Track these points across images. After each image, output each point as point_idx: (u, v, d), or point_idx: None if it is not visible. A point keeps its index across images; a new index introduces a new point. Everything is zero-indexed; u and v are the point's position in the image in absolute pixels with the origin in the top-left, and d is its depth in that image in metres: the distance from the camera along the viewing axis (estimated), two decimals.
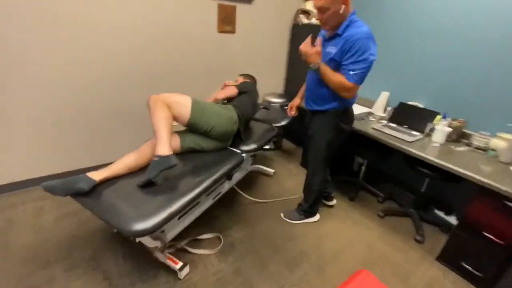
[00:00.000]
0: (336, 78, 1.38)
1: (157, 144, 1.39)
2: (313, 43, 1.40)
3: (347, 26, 1.34)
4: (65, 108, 1.97)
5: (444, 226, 1.95)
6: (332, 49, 1.39)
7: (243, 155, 1.83)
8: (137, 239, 1.20)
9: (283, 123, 2.33)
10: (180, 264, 1.45)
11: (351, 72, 1.33)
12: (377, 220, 2.02)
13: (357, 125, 1.98)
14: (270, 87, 3.07)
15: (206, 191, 1.46)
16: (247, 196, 2.03)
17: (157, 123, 1.44)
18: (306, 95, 1.64)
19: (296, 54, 2.83)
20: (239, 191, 1.97)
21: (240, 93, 1.98)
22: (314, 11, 2.59)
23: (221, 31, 2.40)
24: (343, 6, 1.31)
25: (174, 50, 2.27)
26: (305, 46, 1.38)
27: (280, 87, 3.20)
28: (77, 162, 2.16)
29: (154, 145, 1.47)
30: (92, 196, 1.28)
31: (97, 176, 1.32)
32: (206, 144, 1.73)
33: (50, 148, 2.02)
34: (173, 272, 1.45)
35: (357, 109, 2.41)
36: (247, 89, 2.00)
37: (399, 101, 2.14)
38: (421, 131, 1.90)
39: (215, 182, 1.52)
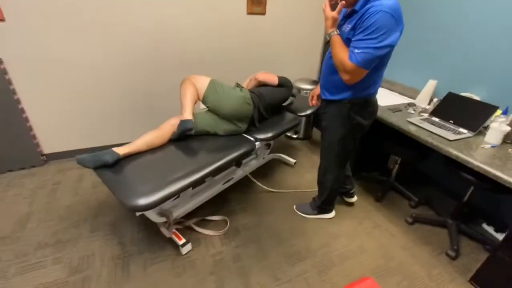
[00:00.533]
0: (340, 54, 1.18)
1: (181, 112, 1.66)
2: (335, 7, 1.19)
3: (367, 1, 1.11)
4: (109, 87, 2.19)
5: (490, 244, 1.61)
6: (347, 27, 1.20)
7: (257, 143, 1.79)
8: (137, 213, 1.28)
9: (308, 112, 2.18)
10: (183, 240, 1.52)
11: (356, 50, 1.11)
12: (404, 227, 1.78)
13: (390, 117, 1.74)
14: (304, 72, 2.90)
15: (208, 176, 1.47)
16: (259, 184, 2.00)
17: (181, 95, 1.70)
18: (321, 82, 1.48)
19: None
20: (252, 178, 1.94)
21: (279, 85, 2.02)
22: None
23: (250, 12, 2.32)
24: None
25: (200, 34, 2.29)
26: (326, 6, 1.20)
27: (314, 73, 2.99)
28: (119, 137, 2.41)
29: (174, 123, 1.63)
30: (111, 169, 1.41)
31: (121, 151, 1.46)
32: (220, 127, 1.76)
33: (99, 123, 2.30)
34: (178, 247, 1.53)
35: (397, 99, 2.12)
36: (286, 85, 2.05)
37: (449, 91, 1.79)
38: (472, 129, 1.57)
39: (220, 168, 1.53)
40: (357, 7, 1.15)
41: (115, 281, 1.37)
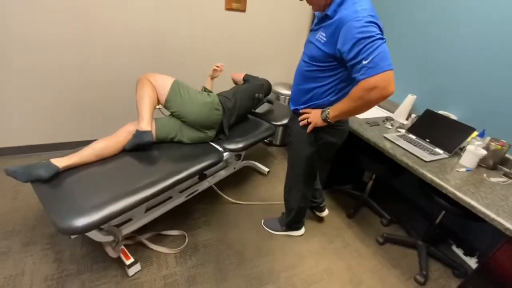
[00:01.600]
0: (353, 95, 0.98)
1: (138, 120, 1.44)
2: None
3: (340, 4, 0.98)
4: (61, 76, 1.94)
5: (459, 270, 1.57)
6: (322, 37, 1.04)
7: (225, 153, 1.64)
8: (72, 236, 1.08)
9: (285, 121, 2.05)
10: (131, 260, 1.34)
11: (364, 62, 0.89)
12: (374, 247, 1.70)
13: (366, 131, 1.65)
14: (284, 77, 2.77)
15: (164, 191, 1.30)
16: (226, 197, 1.85)
17: (138, 100, 1.46)
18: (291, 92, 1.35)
19: None
20: (217, 190, 1.79)
21: (245, 80, 1.94)
22: None
23: (228, 8, 2.15)
24: None
25: (174, 29, 2.09)
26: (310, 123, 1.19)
27: None
28: (77, 134, 2.16)
29: (131, 131, 1.43)
30: (48, 183, 1.20)
31: (61, 163, 1.24)
32: (185, 134, 1.60)
33: (53, 116, 2.04)
34: (124, 267, 1.34)
35: (376, 112, 2.04)
36: (252, 80, 1.95)
37: (427, 108, 1.73)
38: (448, 150, 1.51)
39: (179, 182, 1.36)
40: (329, 11, 1.01)
41: None
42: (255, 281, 1.39)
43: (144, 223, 1.49)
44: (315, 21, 1.13)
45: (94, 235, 1.24)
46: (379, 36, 0.90)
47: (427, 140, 1.61)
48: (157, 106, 1.58)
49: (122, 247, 1.38)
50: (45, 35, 1.78)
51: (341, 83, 1.11)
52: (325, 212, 1.82)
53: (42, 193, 1.17)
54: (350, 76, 1.01)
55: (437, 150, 1.53)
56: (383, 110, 2.11)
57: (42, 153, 2.12)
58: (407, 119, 1.90)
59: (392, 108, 2.04)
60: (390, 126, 1.80)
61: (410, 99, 1.85)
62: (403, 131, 1.74)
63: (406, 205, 2.09)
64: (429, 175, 1.29)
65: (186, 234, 1.58)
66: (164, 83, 1.53)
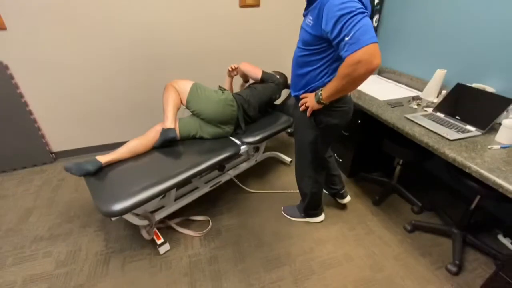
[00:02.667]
0: (340, 73, 0.98)
1: (163, 120, 1.66)
2: None
3: None
4: (110, 87, 2.27)
5: (501, 259, 1.39)
6: (309, 20, 1.05)
7: (242, 146, 1.74)
8: (112, 219, 1.30)
9: None
10: (162, 240, 1.53)
11: (346, 38, 0.89)
12: (402, 235, 1.61)
13: (386, 113, 1.57)
14: None
15: (185, 182, 1.47)
16: (244, 187, 1.96)
17: (164, 103, 1.68)
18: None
19: None
20: (237, 181, 1.90)
21: (262, 80, 1.96)
22: None
23: (243, 5, 2.23)
24: None
25: (192, 30, 2.25)
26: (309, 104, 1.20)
27: None
28: (122, 135, 2.51)
29: (159, 130, 1.65)
30: (95, 176, 1.47)
31: (103, 159, 1.51)
32: (205, 131, 1.76)
33: (103, 122, 2.41)
34: (157, 247, 1.54)
35: (403, 92, 1.91)
36: (270, 80, 1.98)
37: (458, 81, 1.56)
38: (481, 126, 1.35)
39: (199, 173, 1.52)
40: None
41: (94, 277, 1.42)
42: (271, 263, 1.46)
43: (174, 209, 1.68)
44: (305, 6, 1.14)
45: (132, 219, 1.45)
46: (360, 10, 0.88)
47: (457, 117, 1.46)
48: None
49: (155, 229, 1.58)
50: (96, 49, 2.11)
51: (333, 64, 1.11)
52: (347, 199, 1.78)
53: (90, 184, 1.43)
54: (339, 56, 1.01)
55: (468, 127, 1.38)
56: (412, 89, 1.95)
57: (91, 154, 2.50)
58: (437, 96, 1.73)
59: (422, 86, 1.88)
60: (415, 106, 1.67)
61: (439, 74, 1.68)
62: (430, 110, 1.60)
63: (441, 191, 1.91)
64: (451, 154, 1.18)
65: (210, 220, 1.72)
66: (185, 87, 1.73)
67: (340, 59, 1.06)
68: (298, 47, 1.19)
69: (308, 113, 1.21)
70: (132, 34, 2.14)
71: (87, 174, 1.46)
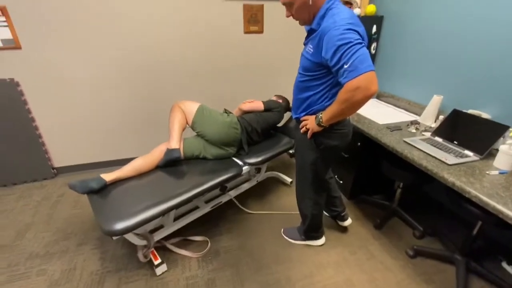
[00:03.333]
0: (339, 98, 1.02)
1: (169, 140, 1.70)
2: None
3: (322, 17, 1.06)
4: (115, 105, 2.33)
5: None
6: (310, 48, 1.13)
7: (245, 167, 1.76)
8: (113, 238, 1.30)
9: None
10: (159, 260, 1.50)
11: (346, 66, 0.94)
12: (404, 260, 1.58)
13: (385, 136, 1.60)
14: None
15: (186, 202, 1.48)
16: (243, 209, 1.96)
17: (170, 123, 1.73)
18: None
19: None
20: (237, 203, 1.90)
21: (266, 110, 2.02)
22: (358, 0, 2.25)
23: (247, 31, 2.35)
24: None
25: (199, 54, 2.35)
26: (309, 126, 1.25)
27: None
28: (125, 152, 2.53)
29: (163, 149, 1.69)
30: (99, 194, 1.48)
31: (108, 177, 1.53)
32: (209, 151, 1.79)
33: (106, 139, 2.44)
34: (154, 267, 1.51)
35: (401, 116, 1.95)
36: (273, 108, 2.04)
37: (455, 108, 1.60)
38: (479, 152, 1.37)
39: (201, 193, 1.53)
40: (314, 25, 1.10)
41: None
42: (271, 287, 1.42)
43: (174, 230, 1.66)
44: (306, 36, 1.22)
45: (132, 238, 1.44)
46: (358, 41, 0.95)
47: (455, 142, 1.49)
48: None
49: (152, 249, 1.55)
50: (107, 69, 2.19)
51: (333, 89, 1.16)
52: (348, 221, 1.76)
53: (93, 202, 1.43)
54: (338, 82, 1.06)
55: (467, 152, 1.40)
56: (410, 113, 2.00)
57: (92, 170, 2.51)
58: (435, 121, 1.77)
59: (420, 111, 1.93)
60: (414, 130, 1.71)
61: (436, 100, 1.74)
62: (428, 134, 1.63)
63: (442, 215, 1.89)
64: (450, 178, 1.20)
65: (208, 240, 1.70)
66: (191, 108, 1.79)
67: (339, 85, 1.11)
68: (299, 73, 1.25)
69: (309, 135, 1.25)
70: (140, 55, 2.23)
71: (91, 192, 1.47)
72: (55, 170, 2.41)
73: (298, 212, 1.63)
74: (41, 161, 2.31)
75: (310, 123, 1.22)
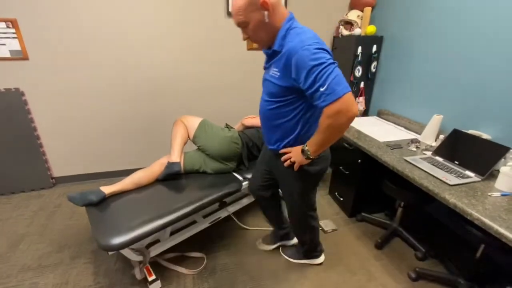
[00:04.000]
0: (322, 125, 0.98)
1: (170, 153, 1.71)
2: None
3: (284, 37, 1.00)
4: (115, 117, 2.35)
5: None
6: (275, 72, 1.05)
7: (245, 182, 1.76)
8: (109, 253, 1.27)
9: None
10: (153, 277, 1.46)
11: (322, 89, 0.90)
12: (406, 283, 1.53)
13: (385, 154, 1.60)
14: None
15: (186, 217, 1.46)
16: (241, 225, 1.93)
17: (172, 137, 1.75)
18: (263, 133, 1.32)
19: None
20: (235, 219, 1.87)
21: None
22: (358, 21, 2.31)
23: (250, 48, 2.40)
24: (265, 13, 0.98)
25: (201, 71, 2.40)
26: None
27: None
28: (125, 163, 2.53)
29: (164, 163, 1.69)
30: (97, 206, 1.46)
31: (107, 190, 1.52)
32: (209, 166, 1.79)
33: (106, 150, 2.44)
34: (147, 284, 1.46)
35: (402, 134, 1.95)
36: None
37: (455, 128, 1.61)
38: (480, 172, 1.36)
39: (200, 208, 1.51)
40: (275, 46, 1.03)
41: None
42: None
43: (170, 245, 1.62)
44: (266, 59, 1.16)
45: (128, 253, 1.40)
46: (330, 61, 0.91)
47: (455, 162, 1.48)
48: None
49: (147, 265, 1.51)
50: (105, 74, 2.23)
51: (307, 113, 1.10)
52: (295, 240, 1.73)
53: (91, 215, 1.41)
54: (312, 104, 1.01)
55: (468, 173, 1.39)
56: (410, 132, 2.00)
57: (91, 180, 2.50)
58: (435, 140, 1.77)
59: (420, 129, 1.93)
60: (414, 149, 1.70)
61: (436, 120, 1.74)
62: (429, 153, 1.63)
63: (445, 236, 1.85)
64: (452, 199, 1.18)
65: (205, 257, 1.66)
66: (193, 123, 1.81)
67: (313, 108, 1.08)
68: (264, 100, 1.17)
69: (296, 168, 1.17)
70: (144, 70, 2.28)
71: (90, 204, 1.45)
72: (53, 180, 2.40)
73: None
74: (40, 171, 2.30)
75: (295, 156, 1.13)
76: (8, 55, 1.96)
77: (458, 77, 1.73)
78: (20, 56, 1.98)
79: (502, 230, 0.99)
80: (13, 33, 1.92)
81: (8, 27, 1.90)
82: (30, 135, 2.17)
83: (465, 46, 1.66)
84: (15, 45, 1.95)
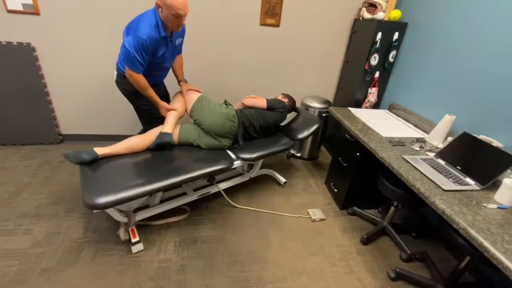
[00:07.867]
0: None
1: (164, 124, 1.72)
2: None
3: None
4: None
5: None
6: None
7: (236, 161, 1.74)
8: (94, 211, 1.32)
9: (305, 134, 2.05)
10: (137, 239, 1.53)
11: None
12: (384, 281, 1.51)
13: (384, 150, 1.52)
14: (315, 89, 2.73)
15: (173, 187, 1.51)
16: (231, 202, 1.93)
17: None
18: None
19: (353, 55, 2.41)
20: (225, 195, 1.87)
21: (268, 108, 1.97)
22: (383, 3, 2.13)
23: (263, 23, 2.28)
24: None
25: (210, 40, 2.33)
26: None
27: (330, 92, 2.79)
28: (130, 129, 2.58)
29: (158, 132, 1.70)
30: (90, 166, 1.50)
31: (100, 151, 1.56)
32: (203, 140, 1.79)
33: (112, 113, 2.49)
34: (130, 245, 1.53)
35: (409, 131, 1.84)
36: (275, 108, 1.98)
37: (466, 130, 1.49)
38: (481, 181, 1.26)
39: (187, 180, 1.53)
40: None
41: (64, 263, 1.43)
42: (239, 285, 1.40)
43: (157, 212, 1.67)
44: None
45: (115, 214, 1.46)
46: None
47: (458, 167, 1.38)
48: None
49: (133, 227, 1.58)
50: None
51: None
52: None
53: (83, 173, 1.46)
54: None
55: (468, 180, 1.30)
56: (419, 130, 1.88)
57: (97, 141, 2.57)
58: (443, 141, 1.66)
59: (429, 128, 1.81)
60: (418, 148, 1.60)
61: (447, 120, 1.61)
62: (432, 154, 1.53)
63: (435, 241, 1.79)
64: (441, 205, 1.11)
65: (188, 209, 1.75)
66: (192, 97, 1.82)
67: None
68: None
69: None
70: None
71: (82, 163, 1.50)
72: (61, 136, 2.50)
73: (285, 215, 1.60)
74: (49, 126, 2.40)
75: None
76: (20, 8, 1.97)
77: (479, 77, 1.57)
78: (32, 10, 1.99)
79: (486, 244, 0.93)
80: None
81: None
82: (40, 91, 2.24)
83: (497, 43, 1.49)
84: None
